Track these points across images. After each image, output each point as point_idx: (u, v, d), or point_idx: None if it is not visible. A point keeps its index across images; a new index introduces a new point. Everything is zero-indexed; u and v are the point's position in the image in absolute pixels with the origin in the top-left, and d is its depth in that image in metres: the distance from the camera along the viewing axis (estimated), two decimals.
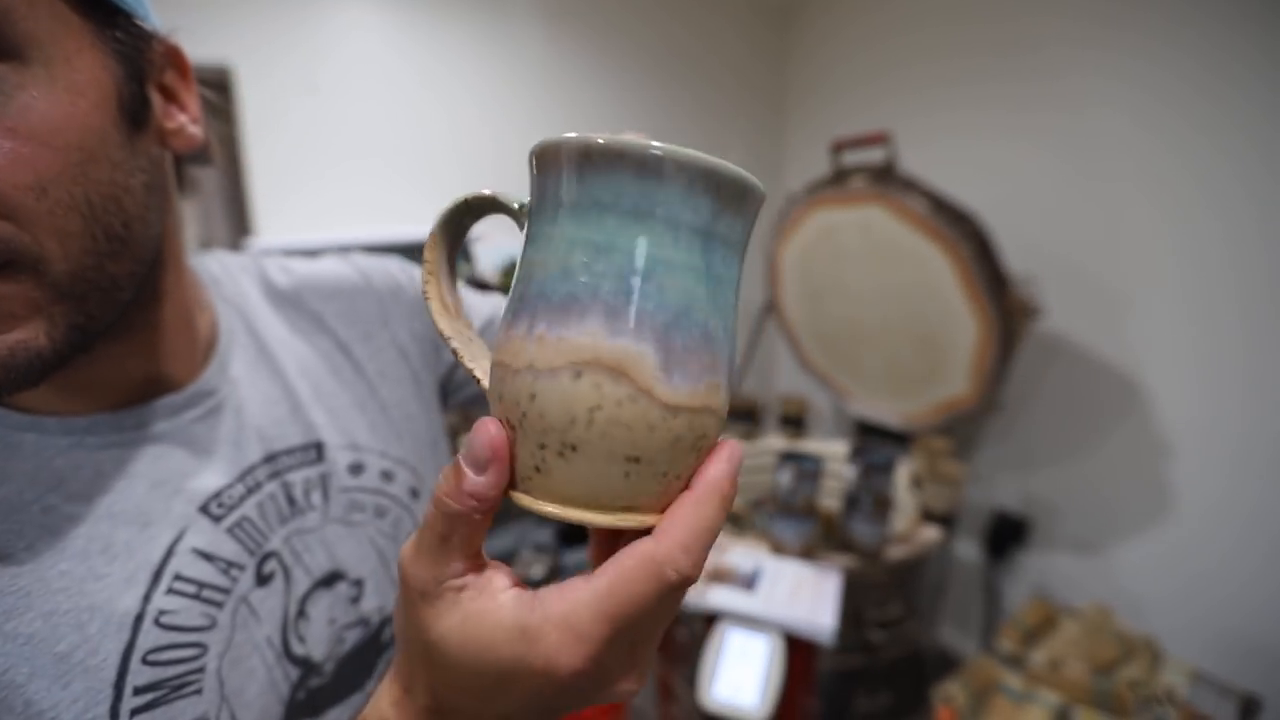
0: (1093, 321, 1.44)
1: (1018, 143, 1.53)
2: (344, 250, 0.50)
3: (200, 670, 0.31)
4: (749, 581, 1.09)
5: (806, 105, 2.23)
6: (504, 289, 1.60)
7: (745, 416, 1.75)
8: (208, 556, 0.33)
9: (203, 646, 0.31)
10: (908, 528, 1.26)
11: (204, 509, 0.34)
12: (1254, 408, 1.19)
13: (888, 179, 1.28)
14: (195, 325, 0.37)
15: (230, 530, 0.34)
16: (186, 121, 0.33)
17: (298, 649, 0.36)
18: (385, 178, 1.71)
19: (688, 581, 0.21)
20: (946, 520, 1.27)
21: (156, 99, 0.31)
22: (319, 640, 0.37)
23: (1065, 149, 1.43)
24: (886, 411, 1.60)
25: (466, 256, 1.66)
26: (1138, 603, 1.39)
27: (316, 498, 0.39)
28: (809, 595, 1.04)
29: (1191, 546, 1.30)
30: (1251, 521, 1.21)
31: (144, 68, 0.30)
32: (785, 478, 1.12)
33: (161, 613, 0.30)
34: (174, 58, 0.32)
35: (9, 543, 0.28)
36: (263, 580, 0.35)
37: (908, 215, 1.26)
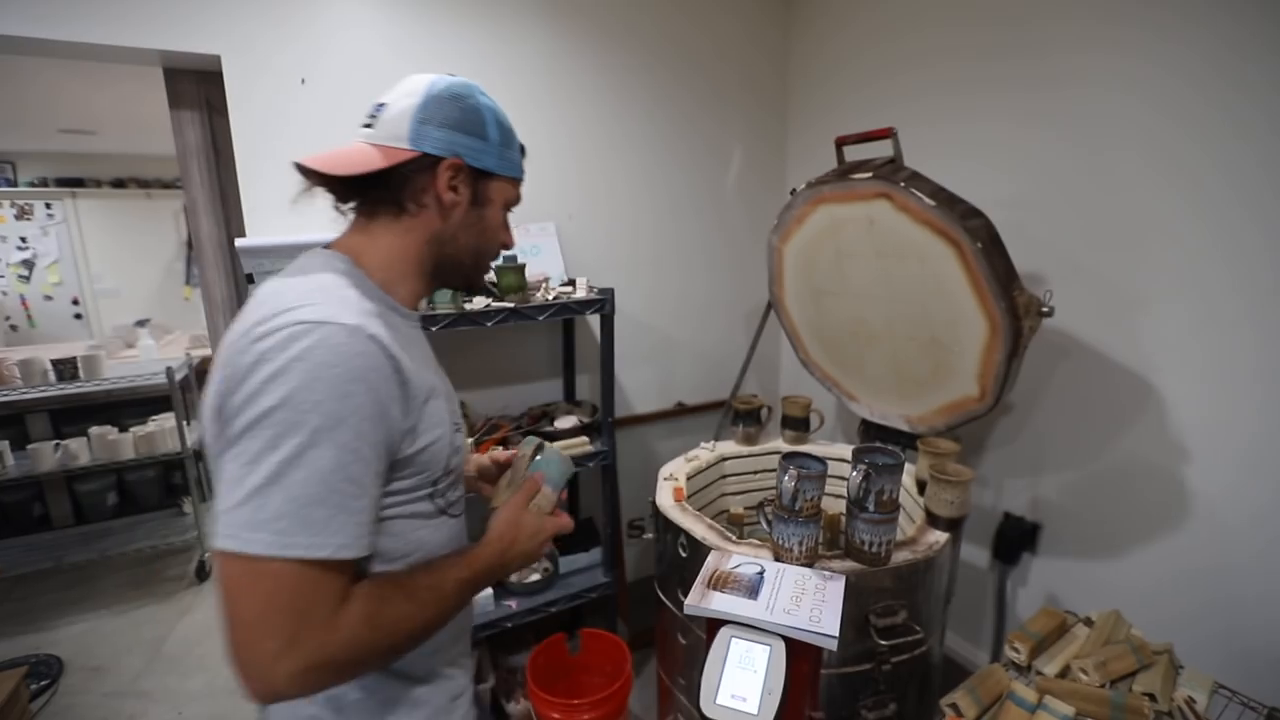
0: (1103, 321, 1.40)
1: (1026, 141, 1.50)
2: None
3: (459, 428, 0.74)
4: (751, 587, 1.06)
5: (810, 107, 2.20)
6: (501, 289, 1.57)
7: (747, 417, 1.72)
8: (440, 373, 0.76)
9: (458, 416, 0.75)
10: (914, 532, 1.23)
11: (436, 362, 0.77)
12: (1273, 410, 1.16)
13: (893, 174, 1.25)
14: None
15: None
16: None
17: (458, 432, 0.74)
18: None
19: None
20: (954, 524, 1.24)
21: None
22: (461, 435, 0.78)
23: (1074, 148, 1.40)
24: (892, 413, 1.56)
25: None
26: (1154, 611, 1.35)
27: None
28: (812, 601, 1.01)
29: (1210, 552, 1.27)
30: (1273, 527, 1.17)
31: None
32: (788, 480, 1.09)
33: (451, 400, 0.73)
34: None
35: (422, 365, 0.67)
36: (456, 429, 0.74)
37: (913, 211, 1.23)
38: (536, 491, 0.77)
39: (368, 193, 0.68)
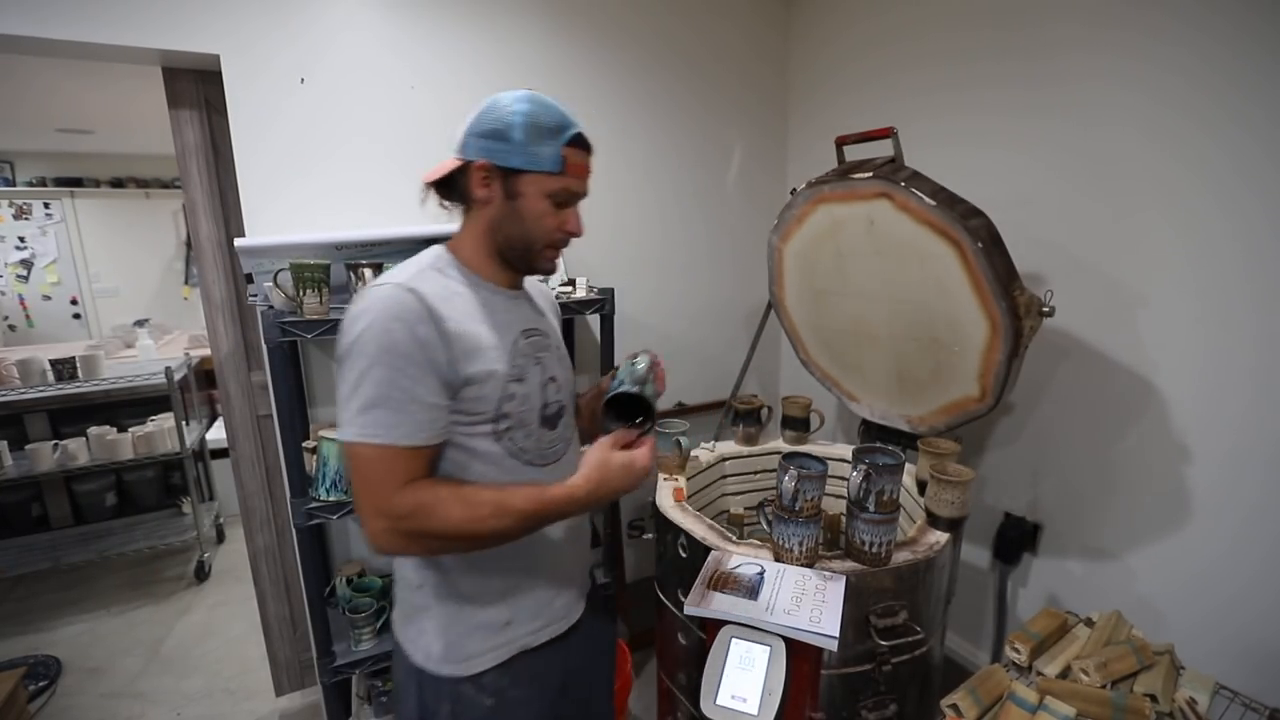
0: (1104, 321, 1.40)
1: (1024, 143, 1.50)
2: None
3: (525, 378, 0.85)
4: (751, 588, 1.06)
5: (811, 107, 2.20)
6: None
7: (748, 417, 1.72)
8: (524, 346, 0.86)
9: (526, 370, 0.85)
10: (914, 532, 1.23)
11: (523, 330, 0.87)
12: (1276, 409, 1.16)
13: (893, 174, 1.24)
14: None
15: (527, 342, 0.87)
16: None
17: (545, 392, 0.88)
18: (376, 176, 1.69)
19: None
20: (954, 524, 1.24)
21: None
22: (549, 395, 0.89)
23: (1073, 149, 1.40)
24: (892, 413, 1.56)
25: None
26: (1155, 611, 1.35)
27: (550, 348, 0.92)
28: (812, 601, 1.01)
29: (1211, 553, 1.26)
30: (1274, 527, 1.17)
31: None
32: (788, 480, 1.08)
33: (516, 354, 0.84)
34: None
35: (477, 321, 0.82)
36: (536, 362, 0.87)
37: (913, 211, 1.23)
38: (631, 439, 0.84)
39: (449, 194, 0.86)
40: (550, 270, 0.90)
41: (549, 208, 0.82)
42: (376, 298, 0.75)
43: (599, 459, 0.81)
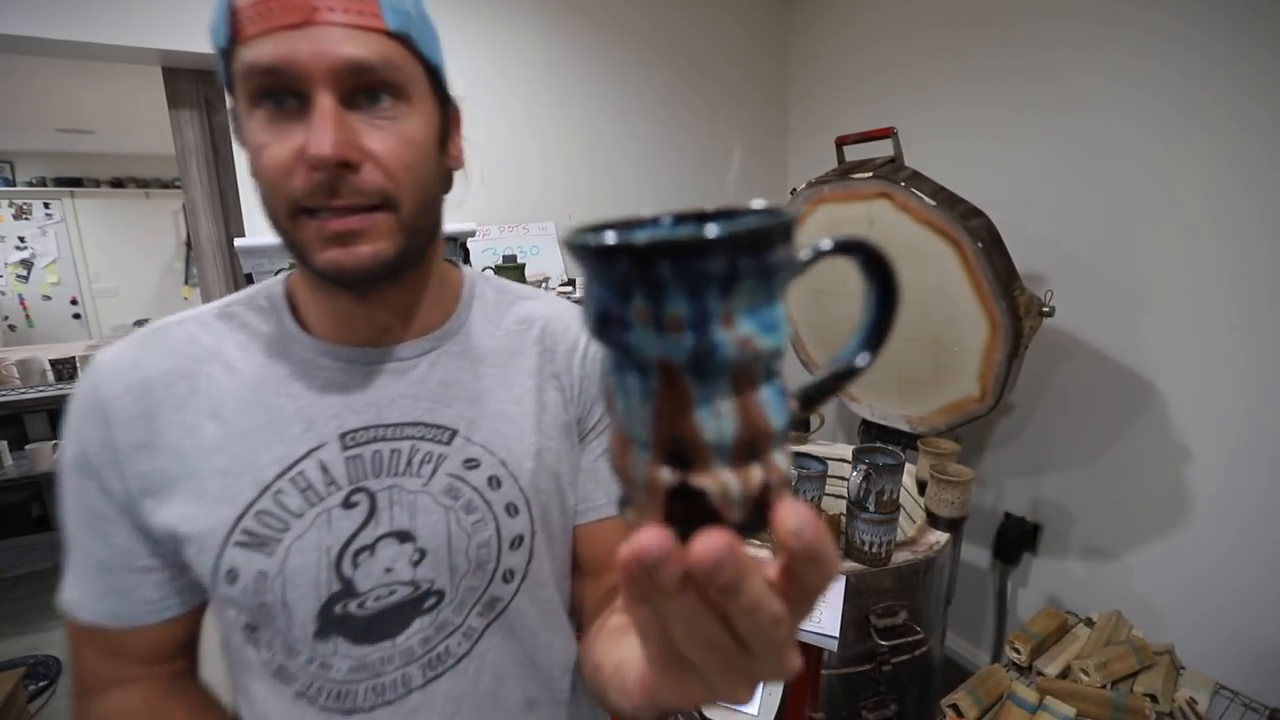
0: (1104, 320, 1.40)
1: (1024, 141, 1.50)
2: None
3: (279, 540, 0.43)
4: None
5: (810, 101, 2.20)
6: None
7: None
8: (324, 468, 0.44)
9: (288, 525, 0.43)
10: (914, 532, 1.23)
11: (342, 436, 0.45)
12: (1275, 409, 1.15)
13: (893, 174, 1.24)
14: (432, 293, 0.50)
15: (349, 459, 0.45)
16: (458, 151, 0.50)
17: (347, 570, 0.44)
18: None
19: None
20: (954, 524, 1.23)
21: (452, 134, 0.48)
22: (370, 575, 0.44)
23: (1072, 147, 1.40)
24: (892, 413, 1.56)
25: (466, 257, 1.63)
26: (1155, 611, 1.35)
27: (426, 470, 0.46)
28: None
29: (1211, 553, 1.26)
30: (1274, 527, 1.17)
31: (448, 115, 0.47)
32: None
33: (279, 491, 0.43)
34: (456, 113, 0.49)
35: (221, 408, 0.44)
36: (348, 505, 0.44)
37: (913, 211, 1.23)
38: None
39: None
40: (332, 269, 0.41)
41: (262, 126, 0.39)
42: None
43: None
